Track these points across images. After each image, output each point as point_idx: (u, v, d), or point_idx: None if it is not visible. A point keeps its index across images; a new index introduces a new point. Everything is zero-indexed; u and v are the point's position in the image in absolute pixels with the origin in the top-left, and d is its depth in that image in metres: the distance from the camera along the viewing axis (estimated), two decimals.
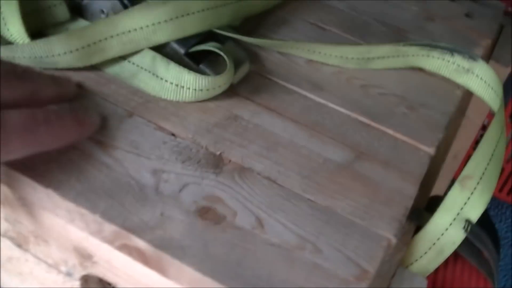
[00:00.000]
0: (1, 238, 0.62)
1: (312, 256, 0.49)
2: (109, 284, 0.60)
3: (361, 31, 0.74)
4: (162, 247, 0.47)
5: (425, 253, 0.56)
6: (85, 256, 0.56)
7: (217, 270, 0.47)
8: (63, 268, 0.59)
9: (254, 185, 0.53)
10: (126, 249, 0.49)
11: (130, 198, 0.50)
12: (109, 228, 0.49)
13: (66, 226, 0.54)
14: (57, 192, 0.50)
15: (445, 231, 0.55)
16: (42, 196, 0.51)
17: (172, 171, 0.52)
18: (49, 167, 0.51)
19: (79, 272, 0.58)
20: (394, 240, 0.51)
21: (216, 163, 0.54)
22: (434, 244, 0.55)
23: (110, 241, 0.50)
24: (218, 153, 0.55)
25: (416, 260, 0.56)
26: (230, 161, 0.54)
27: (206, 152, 0.54)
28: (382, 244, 0.51)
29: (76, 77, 0.58)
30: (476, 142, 0.85)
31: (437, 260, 0.56)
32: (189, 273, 0.47)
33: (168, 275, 0.49)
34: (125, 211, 0.49)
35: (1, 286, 0.68)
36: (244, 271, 0.47)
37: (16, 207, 0.57)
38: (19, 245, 0.61)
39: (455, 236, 0.55)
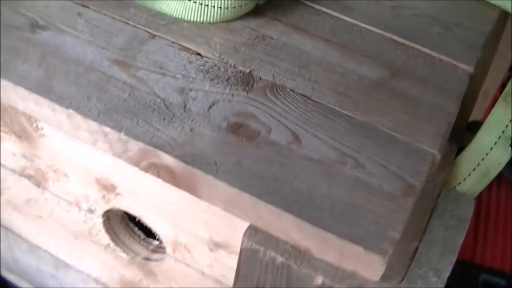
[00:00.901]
0: (19, 178, 0.59)
1: (354, 171, 0.46)
2: (132, 220, 0.57)
3: None
4: (193, 163, 0.44)
5: (469, 174, 0.52)
6: (108, 188, 0.53)
7: (254, 185, 0.44)
8: (84, 205, 0.56)
9: (288, 101, 0.49)
10: (154, 168, 0.46)
11: (157, 116, 0.47)
12: (135, 146, 0.46)
13: (87, 155, 0.51)
14: (79, 112, 0.47)
15: (490, 150, 0.52)
16: (63, 118, 0.48)
17: (200, 89, 0.49)
18: (69, 89, 0.48)
19: (101, 208, 0.55)
20: (438, 156, 0.48)
21: (246, 80, 0.51)
22: (478, 165, 0.52)
23: (136, 162, 0.47)
24: (247, 71, 0.51)
25: (460, 183, 0.53)
26: (260, 78, 0.51)
27: (235, 70, 0.51)
28: (427, 159, 0.47)
29: (93, 4, 0.55)
30: (503, 85, 0.81)
31: (482, 182, 0.52)
32: (224, 189, 0.44)
33: (200, 194, 0.45)
34: (151, 129, 0.46)
35: (18, 234, 0.65)
36: (283, 186, 0.44)
37: (33, 139, 0.54)
38: (38, 184, 0.58)
39: (500, 156, 0.52)
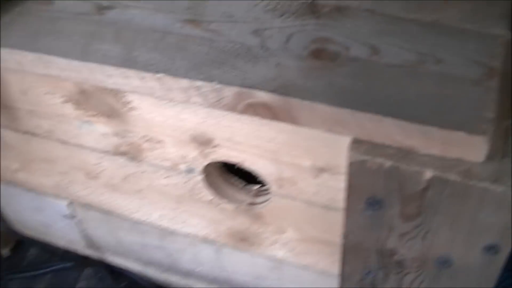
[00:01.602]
0: (114, 158, 0.62)
1: (436, 67, 0.48)
2: (231, 170, 0.60)
3: None
4: (288, 93, 0.47)
5: None
6: (204, 142, 0.56)
7: (350, 99, 0.46)
8: (182, 167, 0.59)
9: (356, 19, 0.52)
10: (251, 109, 0.49)
11: (240, 60, 0.49)
12: (230, 91, 0.48)
13: (180, 116, 0.54)
14: (168, 74, 0.49)
15: None
16: (153, 84, 0.50)
17: (273, 27, 0.52)
18: (151, 56, 0.51)
19: (201, 164, 0.58)
20: (509, 36, 0.50)
21: (312, 9, 0.53)
22: None
23: (232, 107, 0.49)
24: (310, 0, 0.53)
25: None
26: (324, 6, 0.53)
27: (299, 3, 0.54)
28: (500, 41, 0.49)
29: None
30: None
31: None
32: (322, 111, 0.46)
33: (300, 121, 0.48)
34: (240, 73, 0.48)
35: (120, 214, 0.69)
36: (376, 94, 0.46)
37: (123, 115, 0.56)
38: (134, 158, 0.60)
39: None
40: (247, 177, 0.61)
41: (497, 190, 0.45)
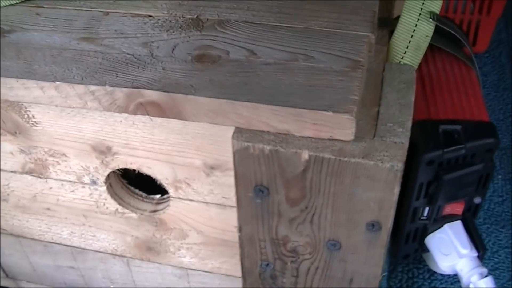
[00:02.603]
0: (21, 176, 0.65)
1: (306, 63, 0.54)
2: (133, 183, 0.64)
3: None
4: (173, 90, 0.52)
5: (405, 52, 0.61)
6: (104, 151, 0.60)
7: (229, 92, 0.51)
8: (86, 179, 0.63)
9: (235, 29, 0.57)
10: (141, 108, 0.53)
11: (131, 67, 0.54)
12: (120, 93, 0.53)
13: (79, 125, 0.58)
14: (64, 81, 0.54)
15: (415, 26, 0.61)
16: (52, 92, 0.55)
17: (160, 39, 0.57)
18: (49, 68, 0.55)
19: (103, 174, 0.62)
20: (372, 36, 0.56)
21: (196, 24, 0.59)
22: (409, 42, 0.61)
23: (125, 107, 0.54)
24: (195, 16, 0.59)
25: (399, 61, 0.61)
26: (208, 19, 0.59)
27: (184, 19, 0.59)
28: (363, 40, 0.56)
29: (47, 3, 0.62)
30: None
31: (417, 55, 0.61)
32: (204, 103, 0.51)
33: (186, 116, 0.53)
34: (130, 77, 0.53)
35: (31, 237, 0.71)
36: (252, 87, 0.52)
37: (27, 130, 0.60)
38: (40, 174, 0.64)
39: (426, 29, 0.61)
40: (149, 189, 0.65)
41: (369, 164, 0.50)
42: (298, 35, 0.57)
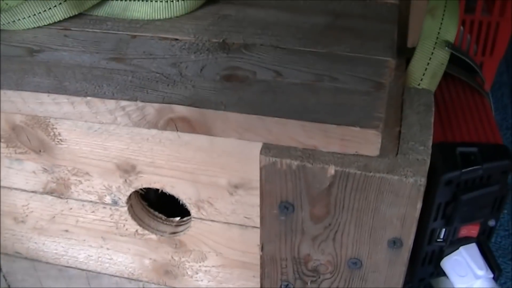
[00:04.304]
0: (42, 197, 0.66)
1: (331, 84, 0.56)
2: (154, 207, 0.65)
3: None
4: (204, 106, 0.53)
5: (421, 79, 0.63)
6: (128, 170, 0.61)
7: (258, 109, 0.53)
8: (108, 199, 0.64)
9: (261, 52, 0.60)
10: (171, 123, 0.55)
11: (161, 84, 0.56)
12: (151, 108, 0.54)
13: (105, 143, 0.59)
14: (95, 96, 0.55)
15: (432, 55, 0.63)
16: (82, 108, 0.56)
17: (188, 60, 0.59)
18: (80, 84, 0.56)
19: (125, 194, 0.63)
20: (392, 61, 0.59)
21: (222, 46, 0.60)
22: (426, 69, 0.63)
23: (154, 123, 0.55)
24: (221, 40, 0.61)
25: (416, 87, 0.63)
26: (234, 43, 0.61)
27: (211, 42, 0.61)
28: (385, 65, 0.58)
29: (74, 26, 0.64)
30: None
31: (433, 81, 0.63)
32: (234, 119, 0.53)
33: (215, 131, 0.54)
34: (160, 93, 0.55)
35: (46, 261, 0.71)
36: (281, 104, 0.53)
37: (52, 149, 0.61)
38: (61, 194, 0.65)
39: (442, 56, 0.63)
40: (170, 212, 0.66)
41: (393, 179, 0.51)
42: (322, 59, 0.59)
